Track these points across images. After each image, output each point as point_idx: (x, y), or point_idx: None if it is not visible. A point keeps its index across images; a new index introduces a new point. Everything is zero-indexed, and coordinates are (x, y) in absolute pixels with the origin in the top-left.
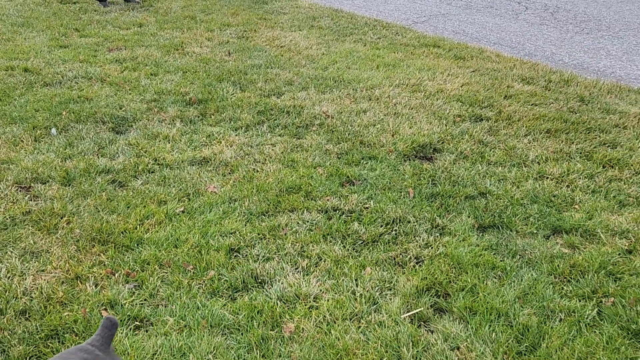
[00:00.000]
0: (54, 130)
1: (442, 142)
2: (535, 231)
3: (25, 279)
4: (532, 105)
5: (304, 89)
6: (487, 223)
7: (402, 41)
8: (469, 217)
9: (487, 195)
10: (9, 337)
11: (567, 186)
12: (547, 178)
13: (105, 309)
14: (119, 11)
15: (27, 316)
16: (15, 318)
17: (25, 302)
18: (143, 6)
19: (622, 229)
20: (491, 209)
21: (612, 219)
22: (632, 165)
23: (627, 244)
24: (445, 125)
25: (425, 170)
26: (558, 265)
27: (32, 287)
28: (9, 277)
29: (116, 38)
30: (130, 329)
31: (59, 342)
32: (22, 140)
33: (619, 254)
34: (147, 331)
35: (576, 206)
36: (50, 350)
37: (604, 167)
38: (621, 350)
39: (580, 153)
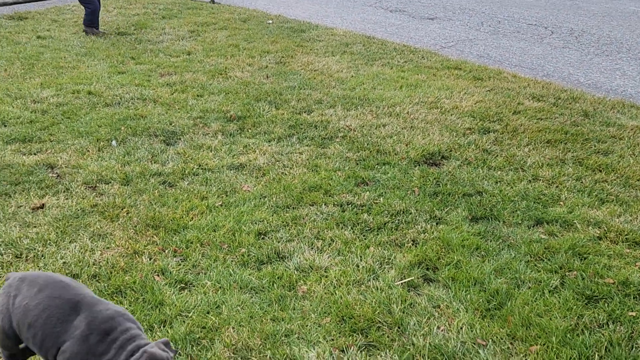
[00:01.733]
0: (114, 142)
1: (450, 151)
2: (520, 222)
3: (95, 253)
4: (538, 119)
5: (331, 107)
6: (479, 215)
7: (427, 64)
8: (463, 210)
9: (483, 193)
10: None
11: (556, 187)
12: (540, 180)
13: (157, 275)
14: (170, 40)
15: (97, 279)
16: (88, 280)
17: (95, 269)
18: (105, 36)
19: (597, 221)
20: (484, 204)
21: (590, 212)
22: (618, 170)
23: (598, 232)
24: (455, 137)
25: (431, 174)
26: (534, 248)
27: (100, 259)
28: (82, 252)
29: (167, 65)
30: (177, 289)
31: (122, 296)
32: (88, 150)
33: (589, 240)
34: (190, 291)
35: (561, 202)
36: (117, 301)
37: (593, 171)
38: (573, 309)
39: (574, 159)
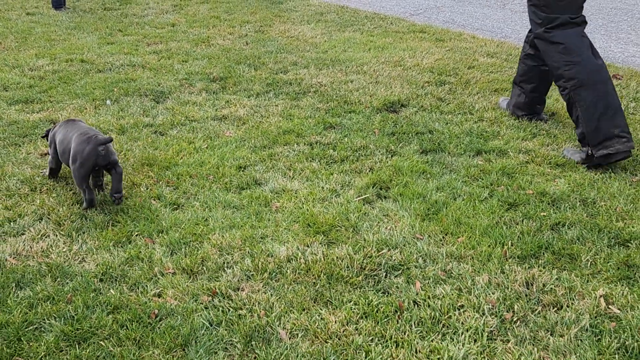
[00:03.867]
0: (108, 102)
1: (409, 100)
2: (462, 152)
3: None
4: (489, 72)
5: (305, 68)
6: (428, 149)
7: (394, 29)
8: (415, 145)
9: (433, 132)
10: (93, 214)
11: (497, 125)
12: (484, 121)
13: (153, 200)
14: (154, 14)
15: (102, 204)
16: (96, 205)
17: (100, 197)
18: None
19: (527, 149)
20: (434, 140)
21: (523, 144)
22: (552, 110)
23: (527, 158)
24: (414, 89)
25: (390, 119)
26: (471, 171)
27: (105, 190)
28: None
29: (153, 35)
30: (171, 209)
31: (125, 214)
32: (85, 108)
33: (519, 164)
34: (182, 211)
35: (499, 137)
36: (121, 219)
37: None
38: (496, 212)
39: None
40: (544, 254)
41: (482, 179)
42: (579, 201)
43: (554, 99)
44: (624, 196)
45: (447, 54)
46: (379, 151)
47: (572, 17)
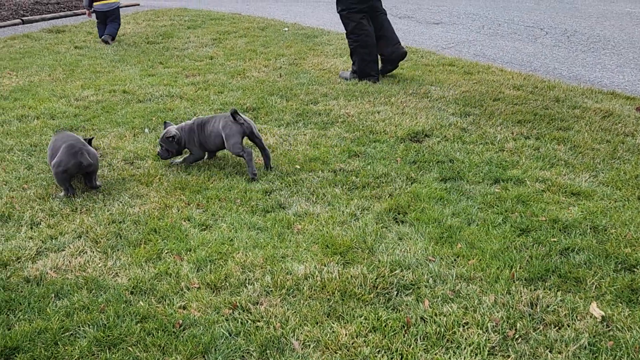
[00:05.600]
0: (146, 130)
1: (433, 130)
2: (481, 181)
3: (134, 207)
4: (514, 104)
5: (335, 99)
6: (447, 177)
7: (424, 62)
8: (435, 173)
9: (454, 161)
10: (128, 233)
11: (517, 155)
12: (504, 151)
13: (184, 221)
14: (194, 47)
15: (137, 224)
16: (130, 225)
17: (135, 217)
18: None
19: (544, 178)
20: (453, 169)
21: (540, 173)
22: (573, 142)
23: (543, 187)
24: (439, 120)
25: (413, 148)
26: (488, 198)
27: (139, 211)
28: (124, 207)
29: (192, 68)
30: (199, 230)
31: (157, 234)
32: (125, 136)
33: (534, 192)
34: (210, 231)
35: (518, 167)
36: (153, 237)
37: (550, 143)
38: (508, 237)
39: (537, 135)
40: (550, 276)
41: (498, 206)
42: (590, 228)
43: (576, 130)
44: (635, 224)
45: (474, 86)
46: (400, 178)
47: None
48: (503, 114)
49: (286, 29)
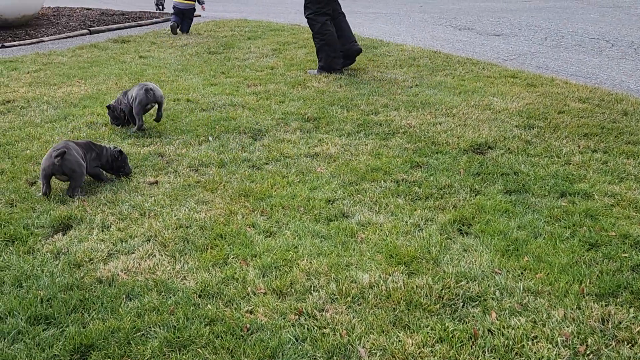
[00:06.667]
0: (210, 138)
1: (496, 142)
2: (547, 194)
3: (200, 213)
4: (580, 117)
5: (396, 109)
6: (512, 189)
7: (486, 74)
8: (500, 185)
9: (519, 173)
10: (195, 237)
11: (584, 169)
12: (570, 164)
13: (248, 227)
14: (255, 58)
15: (203, 229)
16: (197, 230)
17: (201, 223)
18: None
19: (613, 193)
20: (518, 181)
21: (609, 187)
22: None
23: (612, 201)
24: (502, 132)
25: (476, 159)
26: (555, 212)
27: (204, 217)
28: (190, 212)
29: (253, 78)
30: (264, 236)
31: (222, 239)
32: (190, 143)
33: (603, 207)
34: (274, 238)
35: (585, 180)
36: (219, 243)
37: (619, 157)
38: (577, 252)
39: (605, 149)
40: (622, 293)
41: (565, 220)
42: None
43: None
44: None
45: (538, 99)
46: (463, 190)
47: None
48: (568, 126)
49: None
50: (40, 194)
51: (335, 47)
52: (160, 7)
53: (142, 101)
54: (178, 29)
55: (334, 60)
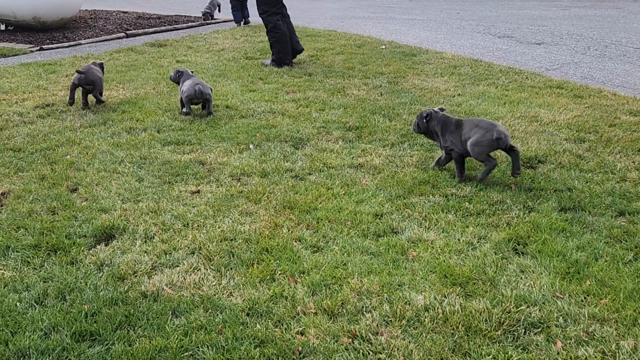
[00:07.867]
0: (251, 146)
1: (546, 156)
2: (604, 212)
3: (244, 225)
4: (632, 131)
5: None
6: (567, 206)
7: (530, 84)
8: (554, 202)
9: (573, 190)
10: (240, 251)
11: None
12: (627, 181)
13: (295, 241)
14: (292, 64)
15: (248, 242)
16: (242, 243)
17: (246, 236)
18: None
19: None
20: (573, 199)
21: None
22: None
23: None
24: (552, 145)
25: (527, 174)
26: (614, 232)
27: (249, 229)
28: (234, 224)
29: (291, 84)
30: (311, 252)
31: (269, 253)
32: (230, 151)
33: None
34: (322, 254)
35: None
36: (265, 257)
37: None
38: None
39: None
40: None
41: (626, 241)
42: None
43: None
44: None
45: (586, 111)
46: (516, 206)
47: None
48: (621, 141)
49: (383, 46)
50: None
51: (286, 44)
52: (210, 17)
53: (190, 95)
54: (242, 22)
55: (285, 56)
